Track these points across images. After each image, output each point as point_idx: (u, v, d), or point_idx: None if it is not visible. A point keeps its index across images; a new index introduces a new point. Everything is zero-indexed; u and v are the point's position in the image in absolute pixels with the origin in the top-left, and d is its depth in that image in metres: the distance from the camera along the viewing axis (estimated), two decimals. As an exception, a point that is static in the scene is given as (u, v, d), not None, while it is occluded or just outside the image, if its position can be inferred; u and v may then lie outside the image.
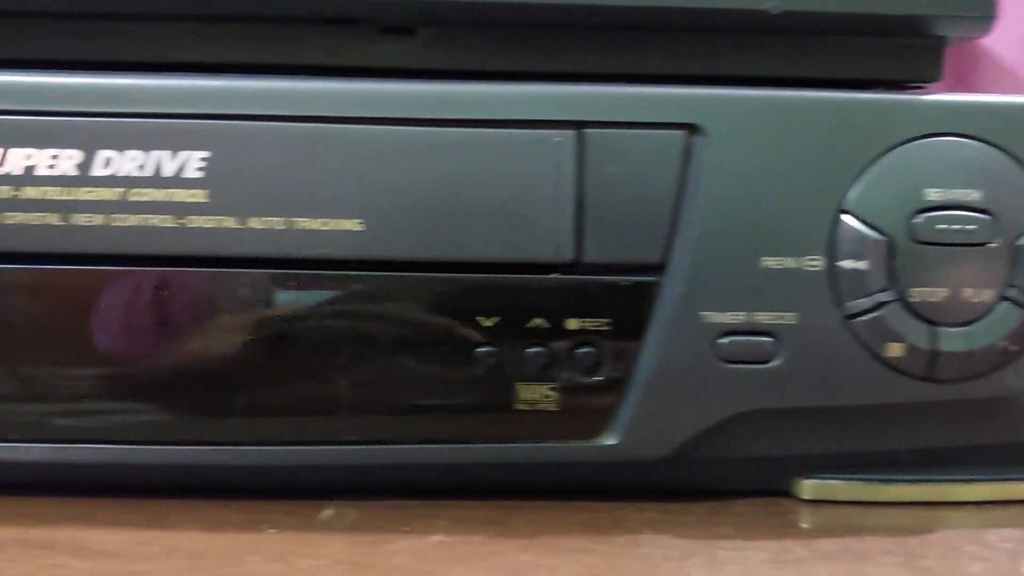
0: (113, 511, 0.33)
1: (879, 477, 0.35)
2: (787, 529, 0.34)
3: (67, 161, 0.31)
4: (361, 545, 0.31)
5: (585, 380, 0.33)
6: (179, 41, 0.34)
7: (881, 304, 0.33)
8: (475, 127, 0.32)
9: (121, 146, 0.31)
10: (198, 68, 0.33)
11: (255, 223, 0.32)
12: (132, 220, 0.31)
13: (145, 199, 0.31)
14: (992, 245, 0.33)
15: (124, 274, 0.32)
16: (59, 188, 0.31)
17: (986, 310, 0.33)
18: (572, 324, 0.33)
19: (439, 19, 0.34)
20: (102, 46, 0.33)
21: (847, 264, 0.33)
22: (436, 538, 0.32)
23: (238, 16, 0.34)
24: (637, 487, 0.35)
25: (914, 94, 0.34)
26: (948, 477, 0.36)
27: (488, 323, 0.32)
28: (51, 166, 0.31)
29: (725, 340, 0.33)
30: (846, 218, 0.33)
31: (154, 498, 0.33)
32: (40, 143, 0.31)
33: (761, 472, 0.36)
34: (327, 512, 0.33)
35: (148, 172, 0.31)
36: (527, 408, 0.33)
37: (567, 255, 0.32)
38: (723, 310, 0.33)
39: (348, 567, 0.30)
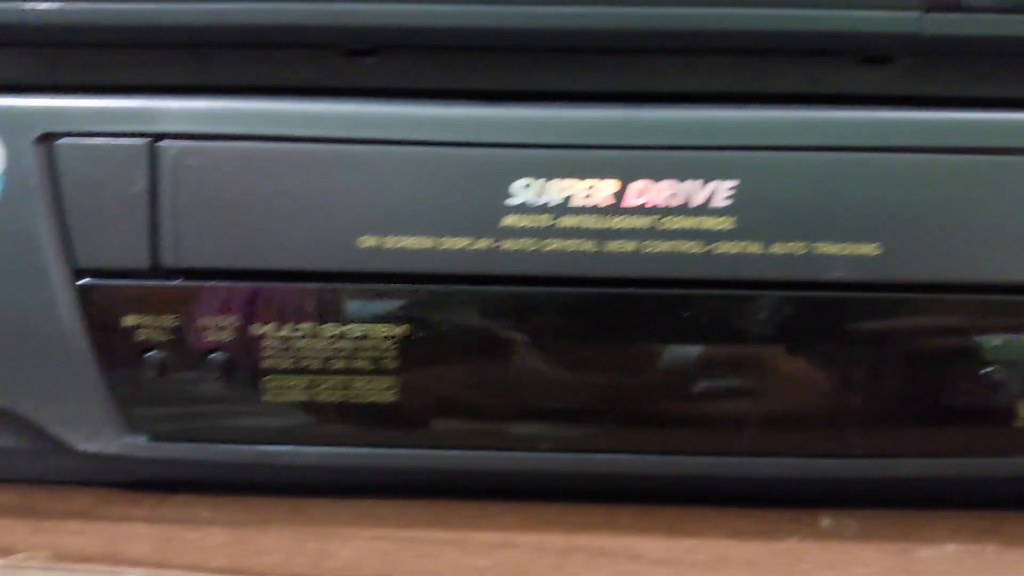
0: (627, 518, 0.35)
1: None
2: None
3: (603, 192, 0.33)
4: (890, 554, 0.33)
5: (1084, 397, 0.34)
6: (665, 72, 0.36)
7: None
8: (986, 155, 0.34)
9: (655, 176, 0.33)
10: (685, 98, 0.35)
11: (777, 248, 0.33)
12: (662, 247, 0.33)
13: (675, 227, 0.33)
14: None
15: (653, 298, 0.34)
16: (595, 216, 0.33)
17: None
18: (1075, 343, 0.34)
19: (916, 49, 0.36)
20: (600, 77, 0.35)
21: None
22: (952, 547, 0.33)
23: (721, 49, 0.36)
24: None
25: None
26: None
27: (996, 342, 0.34)
28: (588, 196, 0.33)
29: None
30: None
31: (657, 505, 0.35)
32: (579, 174, 0.33)
33: None
34: (826, 521, 0.35)
35: (679, 201, 0.33)
36: (1026, 425, 0.34)
37: (1075, 276, 0.34)
38: None
39: (902, 574, 0.31)
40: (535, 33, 0.34)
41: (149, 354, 0.34)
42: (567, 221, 0.34)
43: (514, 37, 0.35)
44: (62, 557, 0.31)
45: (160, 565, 0.31)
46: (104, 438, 0.35)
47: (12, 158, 0.33)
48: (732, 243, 0.33)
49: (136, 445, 0.35)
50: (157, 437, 0.35)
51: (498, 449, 0.34)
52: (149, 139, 0.33)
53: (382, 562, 0.32)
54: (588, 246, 0.34)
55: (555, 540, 0.33)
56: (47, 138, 0.33)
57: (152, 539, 0.33)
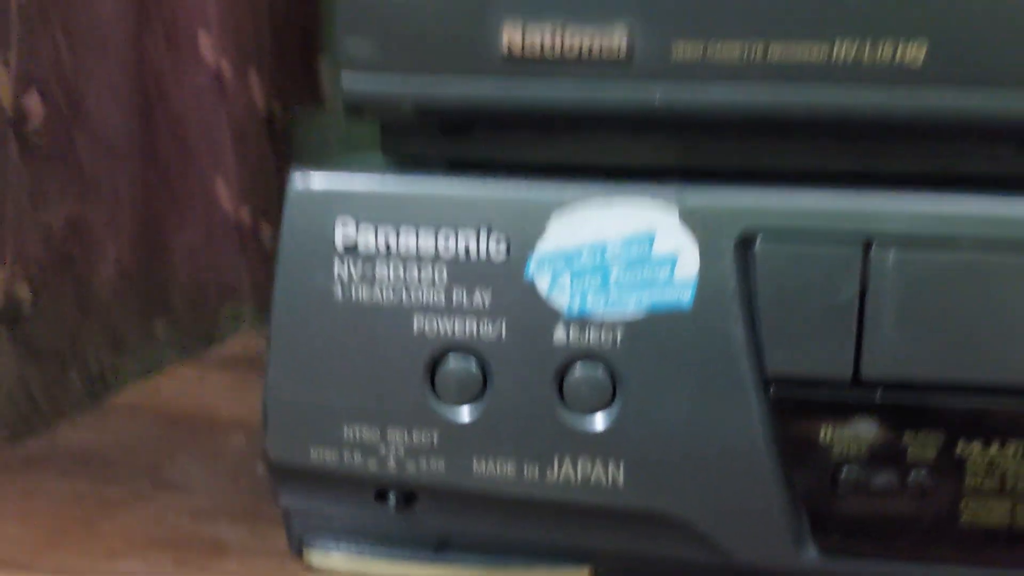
0: None
1: None
2: None
3: None
4: None
5: None
6: None
7: None
8: None
9: None
10: None
11: None
12: None
13: None
14: None
15: None
16: None
17: None
18: None
19: None
20: None
21: None
22: None
23: None
24: None
25: None
26: None
27: None
28: None
29: None
30: None
31: None
32: None
33: None
34: None
35: None
36: None
37: None
38: None
39: None
40: None
41: (843, 469, 0.32)
42: None
43: None
44: None
45: None
46: (774, 552, 0.33)
47: (708, 260, 0.31)
48: None
49: (807, 559, 0.33)
50: (829, 553, 0.33)
51: None
52: (861, 243, 0.31)
53: None
54: None
55: None
56: (747, 239, 0.31)
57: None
